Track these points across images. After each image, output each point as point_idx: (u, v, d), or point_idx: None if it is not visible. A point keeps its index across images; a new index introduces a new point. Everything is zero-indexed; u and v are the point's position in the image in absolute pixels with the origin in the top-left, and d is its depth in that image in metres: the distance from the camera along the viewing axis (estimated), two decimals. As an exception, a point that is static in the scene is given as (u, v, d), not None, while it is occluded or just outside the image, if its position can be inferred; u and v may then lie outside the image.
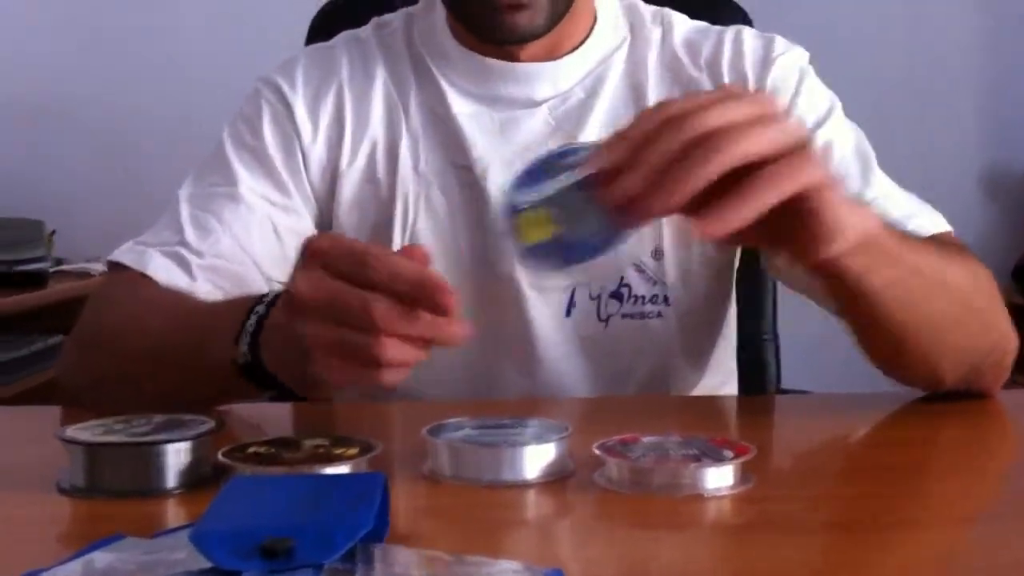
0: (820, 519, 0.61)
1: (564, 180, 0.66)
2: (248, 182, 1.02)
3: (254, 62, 2.75)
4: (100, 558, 0.50)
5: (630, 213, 0.64)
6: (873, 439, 0.85)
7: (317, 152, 1.06)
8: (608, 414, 0.92)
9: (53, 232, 2.63)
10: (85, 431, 0.67)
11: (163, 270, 0.97)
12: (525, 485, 0.64)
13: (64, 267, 2.49)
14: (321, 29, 1.37)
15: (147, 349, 0.89)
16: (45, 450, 0.73)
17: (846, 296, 0.77)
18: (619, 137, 0.65)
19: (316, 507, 0.48)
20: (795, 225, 0.66)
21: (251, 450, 0.66)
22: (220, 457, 0.65)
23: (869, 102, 2.98)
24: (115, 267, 1.00)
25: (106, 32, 2.94)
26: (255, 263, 1.00)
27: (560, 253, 0.67)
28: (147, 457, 0.65)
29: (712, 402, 1.05)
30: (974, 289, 0.88)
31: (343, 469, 0.62)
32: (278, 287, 0.97)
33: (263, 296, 0.79)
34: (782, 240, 0.69)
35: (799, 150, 0.65)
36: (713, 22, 1.25)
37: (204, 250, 0.98)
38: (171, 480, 0.64)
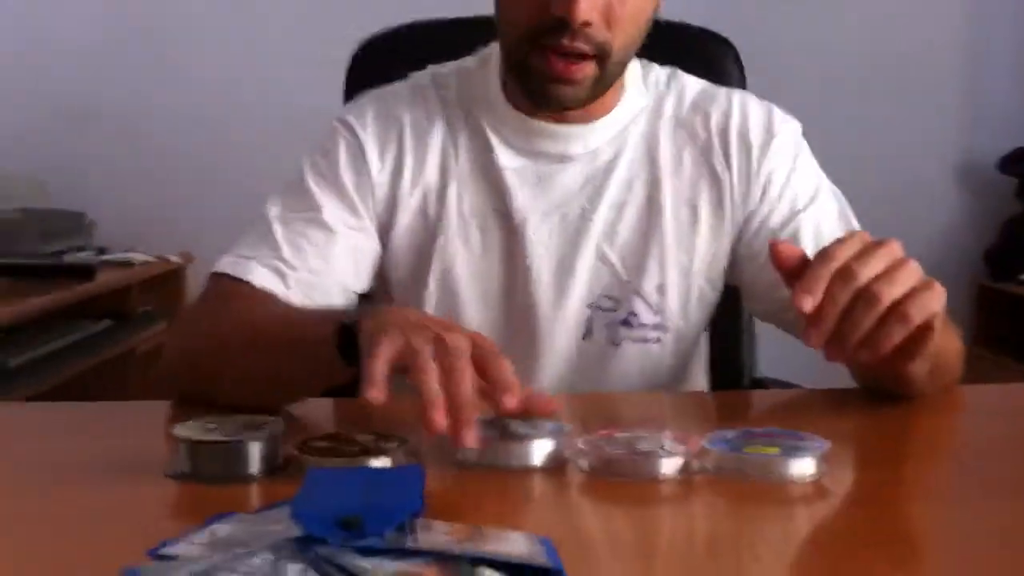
0: (764, 495, 0.77)
1: None
2: (329, 208, 1.17)
3: (268, 73, 2.89)
4: (220, 528, 0.66)
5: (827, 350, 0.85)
6: (852, 430, 0.99)
7: (382, 184, 1.20)
8: (605, 410, 1.10)
9: (93, 223, 2.79)
10: (187, 429, 0.82)
11: (262, 278, 1.11)
12: (529, 470, 0.81)
13: (106, 257, 2.63)
14: (365, 60, 1.52)
15: (249, 339, 1.02)
16: (147, 442, 0.91)
17: (887, 377, 0.96)
18: (805, 290, 0.84)
19: (378, 492, 0.67)
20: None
21: (314, 444, 0.82)
22: (293, 450, 0.81)
23: (854, 99, 3.15)
24: (217, 276, 1.13)
25: (142, 41, 3.08)
26: (337, 277, 1.15)
27: None
28: (236, 450, 0.81)
29: (686, 399, 1.22)
30: (953, 346, 1.06)
31: (386, 461, 0.79)
32: (355, 300, 1.16)
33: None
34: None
35: (923, 287, 0.86)
36: (702, 53, 1.41)
37: (298, 265, 1.13)
38: (254, 468, 0.80)
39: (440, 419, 0.77)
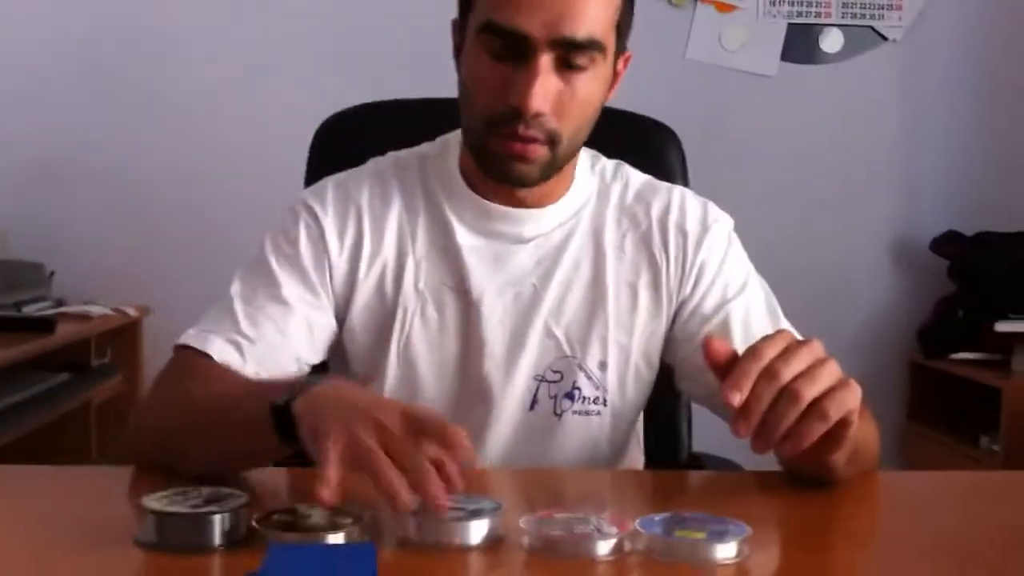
0: None
1: None
2: (288, 286, 1.23)
3: (231, 136, 2.92)
4: None
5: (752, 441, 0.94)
6: (775, 515, 1.05)
7: (340, 265, 1.26)
8: (546, 486, 1.16)
9: (52, 273, 2.81)
10: (155, 501, 0.87)
11: (220, 351, 1.17)
12: (469, 548, 0.87)
13: (65, 309, 2.65)
14: (325, 140, 1.59)
15: (202, 419, 1.07)
16: (119, 510, 0.96)
17: (809, 464, 1.03)
18: (734, 387, 0.93)
19: (335, 568, 0.74)
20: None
21: (275, 518, 0.87)
22: (254, 523, 0.86)
23: (798, 184, 3.25)
24: (181, 348, 1.19)
25: (110, 96, 3.10)
26: (292, 350, 1.22)
27: None
28: (202, 523, 0.85)
29: (624, 477, 1.29)
30: (869, 435, 1.13)
31: (340, 537, 0.84)
32: (307, 370, 1.22)
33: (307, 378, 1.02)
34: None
35: (841, 385, 0.95)
36: (646, 140, 1.51)
37: (255, 338, 1.19)
38: (218, 539, 0.85)
39: (411, 502, 0.85)
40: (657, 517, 0.90)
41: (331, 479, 0.86)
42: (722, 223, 1.32)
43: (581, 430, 1.28)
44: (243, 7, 3.11)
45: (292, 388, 0.98)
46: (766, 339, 0.97)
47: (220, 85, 3.11)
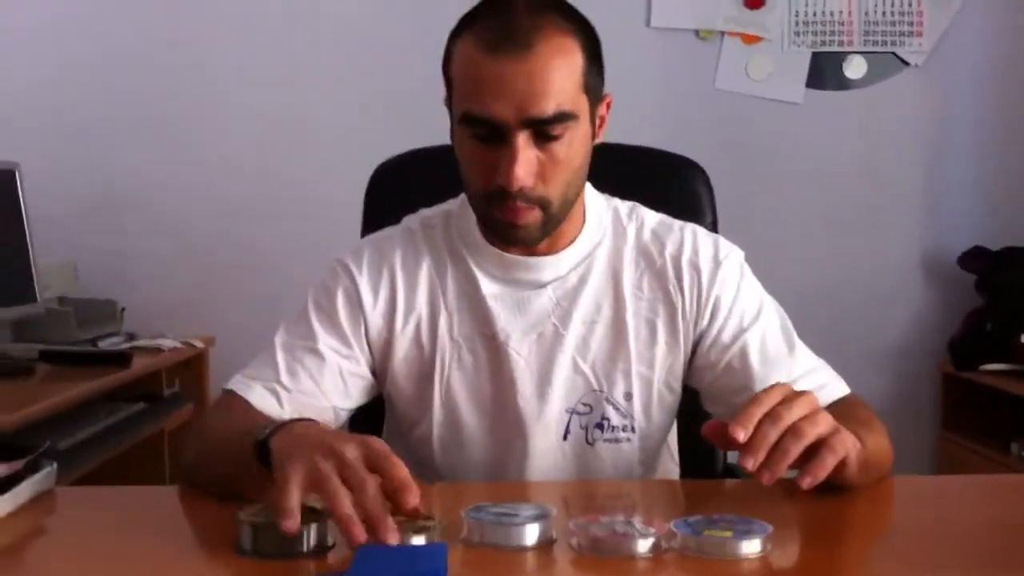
0: (721, 570, 0.94)
1: None
2: (324, 339, 1.35)
3: (294, 172, 3.02)
4: None
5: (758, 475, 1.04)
6: (796, 516, 1.14)
7: (375, 320, 1.38)
8: (587, 496, 1.27)
9: (123, 309, 2.94)
10: (251, 515, 0.99)
11: (260, 398, 1.31)
12: (525, 549, 0.99)
13: (137, 343, 2.78)
14: (379, 185, 1.71)
15: (210, 447, 1.22)
16: (212, 523, 1.09)
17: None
18: (740, 426, 1.04)
19: (413, 564, 0.87)
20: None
21: None
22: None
23: (829, 207, 3.33)
24: (227, 392, 1.32)
25: (170, 134, 3.24)
26: (325, 396, 1.34)
27: None
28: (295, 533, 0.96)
29: (658, 486, 1.39)
30: (880, 444, 1.23)
31: (422, 538, 0.97)
32: (344, 415, 1.35)
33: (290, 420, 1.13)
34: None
35: (836, 430, 1.07)
36: (676, 175, 1.60)
37: (292, 388, 1.32)
38: (309, 546, 0.97)
39: (360, 534, 0.92)
40: (689, 519, 1.01)
41: (289, 505, 0.95)
42: (733, 257, 1.40)
43: (613, 455, 1.38)
44: (300, 49, 3.25)
45: (273, 426, 1.09)
46: (767, 390, 1.10)
47: (275, 127, 3.24)
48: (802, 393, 1.10)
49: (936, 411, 3.32)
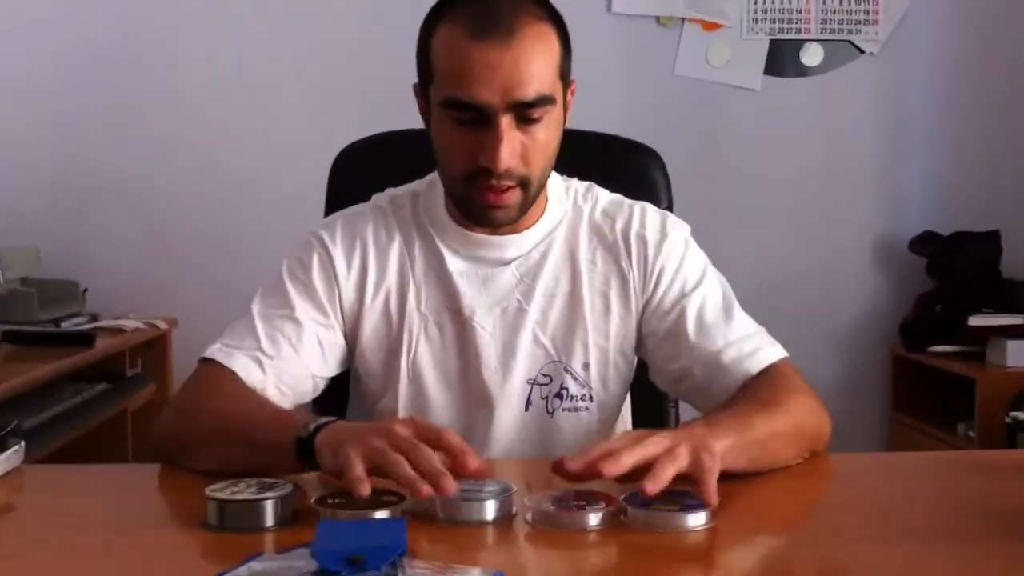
0: (668, 540, 0.99)
1: None
2: (301, 307, 1.39)
3: (256, 155, 3.00)
4: (255, 565, 0.88)
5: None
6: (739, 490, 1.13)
7: (348, 290, 1.41)
8: (544, 471, 1.27)
9: (85, 290, 2.94)
10: (217, 491, 1.02)
11: (245, 368, 1.33)
12: (484, 524, 1.03)
13: (100, 324, 2.78)
14: (343, 168, 1.72)
15: (217, 426, 1.22)
16: (176, 498, 1.13)
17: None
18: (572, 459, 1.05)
19: (374, 537, 0.91)
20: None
21: (330, 500, 1.02)
22: (312, 503, 1.01)
23: (784, 191, 3.38)
24: (206, 361, 1.34)
25: (134, 118, 3.23)
26: (305, 364, 1.37)
27: None
28: (259, 507, 1.00)
29: None
30: (798, 419, 1.25)
31: (385, 513, 1.00)
32: (321, 384, 1.38)
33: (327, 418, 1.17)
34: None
35: (675, 445, 1.05)
36: (633, 161, 1.64)
37: (274, 355, 1.35)
38: (272, 520, 1.00)
39: (426, 489, 0.99)
40: (639, 493, 1.04)
41: (359, 475, 1.01)
42: (679, 230, 1.46)
43: (572, 425, 1.43)
44: (262, 35, 3.26)
45: (316, 424, 1.13)
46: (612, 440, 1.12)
47: (238, 111, 3.26)
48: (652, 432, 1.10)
49: (887, 392, 3.39)
